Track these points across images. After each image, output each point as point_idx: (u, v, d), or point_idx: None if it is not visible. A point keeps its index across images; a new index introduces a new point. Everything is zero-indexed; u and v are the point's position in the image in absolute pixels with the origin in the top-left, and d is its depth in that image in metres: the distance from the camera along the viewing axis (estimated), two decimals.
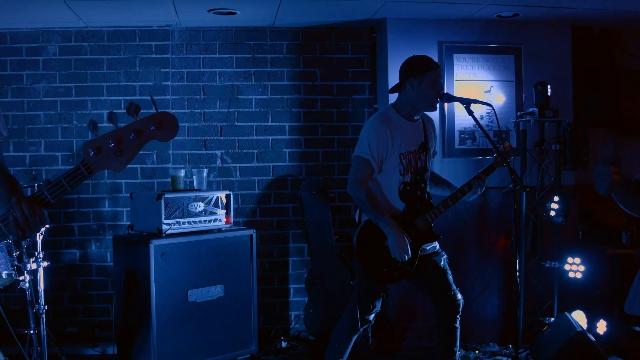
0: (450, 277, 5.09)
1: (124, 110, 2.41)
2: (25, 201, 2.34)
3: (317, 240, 6.93)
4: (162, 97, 7.07)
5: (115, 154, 2.37)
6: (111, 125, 2.46)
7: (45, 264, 5.94)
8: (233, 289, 6.20)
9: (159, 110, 2.41)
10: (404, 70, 5.02)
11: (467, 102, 4.99)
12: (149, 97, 6.91)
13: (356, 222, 5.11)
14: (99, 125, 6.47)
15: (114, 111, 2.40)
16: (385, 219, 4.80)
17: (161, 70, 7.12)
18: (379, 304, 5.10)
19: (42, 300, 5.86)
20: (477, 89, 7.02)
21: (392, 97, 5.32)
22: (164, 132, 2.39)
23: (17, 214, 2.34)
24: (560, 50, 7.12)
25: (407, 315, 6.94)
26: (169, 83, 7.13)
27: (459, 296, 5.08)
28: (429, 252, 5.05)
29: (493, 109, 5.03)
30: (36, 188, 5.75)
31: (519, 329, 6.04)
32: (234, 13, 6.67)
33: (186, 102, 7.15)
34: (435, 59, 5.54)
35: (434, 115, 5.43)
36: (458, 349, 5.15)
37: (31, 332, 5.80)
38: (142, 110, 2.44)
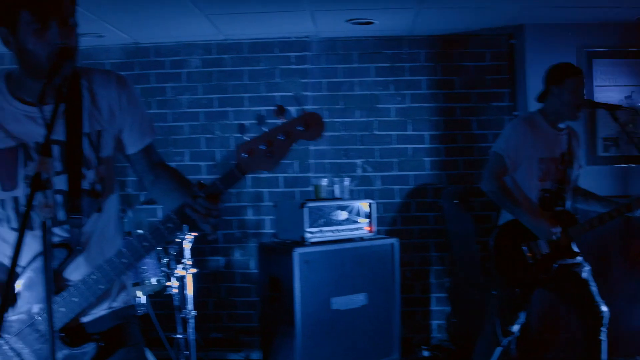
0: (594, 289, 4.96)
1: (266, 120, 2.46)
2: (203, 198, 2.43)
3: (458, 249, 6.89)
4: (302, 107, 7.11)
5: (266, 155, 2.42)
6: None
7: (193, 270, 6.06)
8: (375, 297, 6.21)
9: (306, 111, 2.46)
10: (547, 78, 5.00)
11: (612, 109, 4.92)
12: (289, 108, 7.05)
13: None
14: (241, 135, 6.60)
15: (261, 114, 2.48)
16: (521, 208, 4.77)
17: (300, 80, 7.20)
18: (522, 315, 5.03)
19: (190, 306, 5.98)
20: (617, 95, 6.87)
21: (533, 105, 5.27)
22: (312, 132, 2.46)
23: (198, 208, 2.43)
24: None
25: (552, 326, 6.83)
26: (308, 93, 7.20)
27: (604, 308, 4.93)
28: (570, 263, 4.96)
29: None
30: None
31: None
32: (372, 23, 6.70)
33: (326, 112, 7.20)
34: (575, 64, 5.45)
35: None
36: None
37: (179, 336, 5.93)
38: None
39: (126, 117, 2.73)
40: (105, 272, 2.54)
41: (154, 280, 5.66)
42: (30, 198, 2.01)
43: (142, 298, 5.51)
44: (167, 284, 5.91)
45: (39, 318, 2.55)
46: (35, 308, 2.56)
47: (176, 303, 5.95)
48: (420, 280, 7.27)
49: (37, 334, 2.56)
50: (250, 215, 7.26)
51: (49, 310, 2.03)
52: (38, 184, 2.03)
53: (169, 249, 6.03)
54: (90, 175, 2.64)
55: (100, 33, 6.76)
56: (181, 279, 5.96)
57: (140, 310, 5.51)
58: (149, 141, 2.85)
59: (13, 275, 1.91)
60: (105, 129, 2.68)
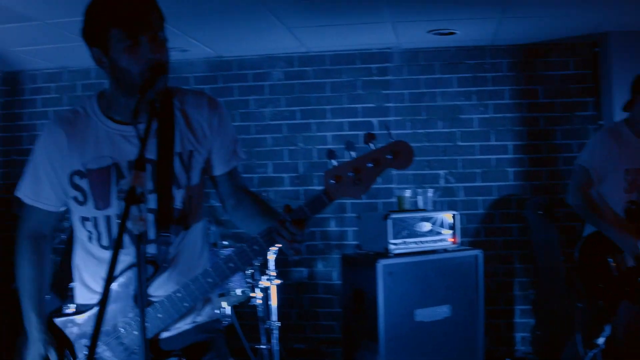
0: None
1: (348, 132, 2.49)
2: (290, 222, 2.44)
3: (543, 261, 6.80)
4: (384, 119, 7.17)
5: (353, 183, 2.41)
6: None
7: (277, 281, 6.13)
8: (459, 309, 6.14)
9: (395, 140, 2.43)
10: (633, 86, 4.91)
11: None
12: (371, 119, 7.08)
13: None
14: (324, 147, 6.61)
15: (350, 140, 2.46)
16: (607, 221, 4.69)
17: (382, 92, 7.22)
18: (608, 328, 4.93)
19: (274, 317, 6.04)
20: None
21: (619, 114, 5.18)
22: (400, 161, 2.42)
23: (284, 234, 2.44)
24: None
25: (638, 340, 6.70)
26: (390, 104, 7.21)
27: None
28: None
29: None
30: None
31: None
32: (453, 33, 6.67)
33: (408, 123, 7.19)
34: None
35: None
36: None
37: (263, 347, 5.98)
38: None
39: (216, 139, 2.76)
40: (190, 291, 2.57)
41: (239, 291, 5.75)
42: (125, 211, 2.05)
43: (227, 309, 5.58)
44: (252, 294, 5.98)
45: (123, 331, 2.60)
46: (120, 321, 2.61)
47: (260, 314, 6.01)
48: (504, 292, 7.20)
49: (121, 347, 2.62)
50: (333, 227, 7.30)
51: (142, 320, 2.07)
52: (133, 197, 2.07)
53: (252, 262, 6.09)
54: (179, 194, 2.67)
55: (184, 47, 6.90)
56: (265, 290, 6.02)
57: (225, 320, 5.59)
58: (234, 164, 2.87)
59: (108, 291, 1.95)
60: (196, 149, 2.72)
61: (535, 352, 6.80)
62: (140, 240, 2.10)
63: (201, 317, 2.79)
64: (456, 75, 7.21)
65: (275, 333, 5.92)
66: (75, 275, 2.80)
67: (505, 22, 6.30)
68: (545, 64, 7.16)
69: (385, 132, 2.53)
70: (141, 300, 2.08)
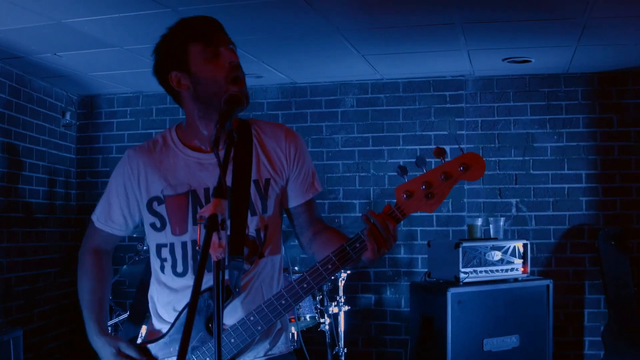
0: None
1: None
2: (377, 218, 2.42)
3: (615, 292, 6.70)
4: (456, 146, 7.13)
5: (426, 197, 2.40)
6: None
7: (346, 308, 6.15)
8: (528, 339, 6.09)
9: (466, 151, 2.41)
10: None
11: None
12: (444, 146, 7.06)
13: None
14: (395, 174, 6.63)
15: (421, 155, 2.52)
16: None
17: (455, 119, 7.23)
18: None
19: (341, 343, 6.05)
20: None
21: None
22: (472, 172, 2.39)
23: (373, 231, 2.42)
24: None
25: None
26: (463, 132, 7.20)
27: None
28: None
29: None
30: None
31: None
32: (528, 61, 6.65)
33: (481, 151, 7.17)
34: None
35: None
36: None
37: None
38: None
39: (293, 169, 2.77)
40: (263, 314, 2.56)
41: (307, 317, 5.78)
42: (207, 238, 2.05)
43: (295, 333, 5.62)
44: (320, 320, 6.01)
45: (194, 358, 2.62)
46: (191, 349, 2.62)
47: (328, 339, 6.03)
48: (574, 323, 7.09)
49: None
50: (402, 254, 7.30)
51: (218, 348, 2.09)
52: (214, 225, 2.07)
53: (323, 286, 6.13)
54: (254, 221, 2.70)
55: (259, 74, 7.01)
56: (334, 316, 6.04)
57: (293, 345, 5.62)
58: (311, 196, 2.84)
59: (192, 319, 1.97)
60: (272, 178, 2.73)
61: None
62: (219, 267, 2.10)
63: (275, 350, 2.77)
64: (530, 103, 7.17)
65: (343, 359, 5.94)
66: (150, 306, 2.86)
67: (581, 50, 6.25)
68: (621, 92, 7.07)
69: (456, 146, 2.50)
70: (218, 324, 2.09)
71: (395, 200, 2.46)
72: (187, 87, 2.64)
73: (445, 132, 7.21)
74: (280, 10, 5.18)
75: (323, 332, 6.18)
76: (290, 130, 2.84)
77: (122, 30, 5.58)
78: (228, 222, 2.56)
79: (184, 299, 2.67)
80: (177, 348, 2.53)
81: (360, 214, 7.27)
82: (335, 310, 6.11)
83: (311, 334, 6.63)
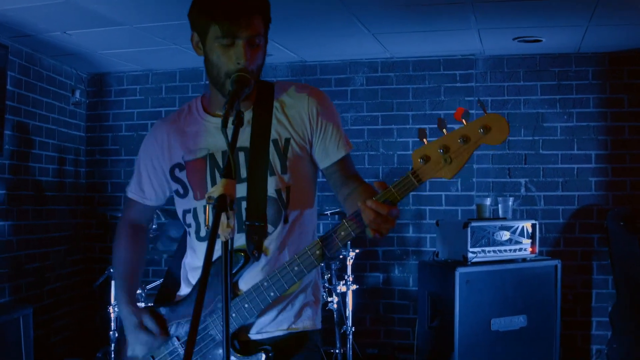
0: None
1: (430, 138, 2.30)
2: (373, 203, 2.31)
3: (623, 273, 6.69)
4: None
5: (444, 161, 2.27)
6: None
7: (354, 287, 6.16)
8: (536, 319, 6.09)
9: (488, 112, 2.29)
10: None
11: None
12: (453, 126, 7.07)
13: None
14: (404, 152, 6.63)
15: (442, 118, 2.33)
16: None
17: (465, 98, 7.21)
18: None
19: (349, 322, 6.07)
20: None
21: None
22: (494, 134, 2.25)
23: (368, 215, 2.32)
24: None
25: None
26: (473, 111, 7.12)
27: None
28: None
29: None
30: None
31: None
32: (539, 40, 6.62)
33: None
34: None
35: None
36: None
37: (337, 351, 6.01)
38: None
39: (317, 129, 2.71)
40: (276, 279, 2.54)
41: None
42: (215, 220, 2.06)
43: None
44: (328, 299, 6.02)
45: (209, 321, 2.63)
46: (207, 312, 2.63)
47: (336, 318, 6.05)
48: (582, 304, 7.10)
49: (208, 339, 2.65)
50: (411, 233, 7.30)
51: (226, 331, 2.08)
52: (223, 205, 2.07)
53: (331, 265, 6.15)
54: (273, 182, 2.66)
55: (268, 52, 6.93)
56: (342, 295, 6.06)
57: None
58: (342, 154, 2.74)
59: (204, 287, 1.98)
60: (292, 137, 2.69)
61: None
62: (227, 248, 2.10)
63: (300, 324, 2.74)
64: (540, 83, 7.15)
65: (350, 337, 5.96)
66: (182, 272, 2.90)
67: (593, 29, 6.22)
68: (632, 72, 7.03)
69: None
70: (226, 306, 2.08)
71: (412, 166, 2.34)
72: (202, 54, 2.63)
73: (455, 112, 7.17)
74: None
75: (331, 310, 6.19)
76: (316, 90, 2.78)
77: (131, 9, 5.56)
78: (240, 184, 2.56)
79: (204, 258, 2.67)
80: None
81: None
82: (344, 289, 6.12)
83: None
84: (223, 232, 2.09)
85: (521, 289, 6.03)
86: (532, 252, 6.16)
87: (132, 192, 2.95)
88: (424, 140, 2.31)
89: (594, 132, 7.07)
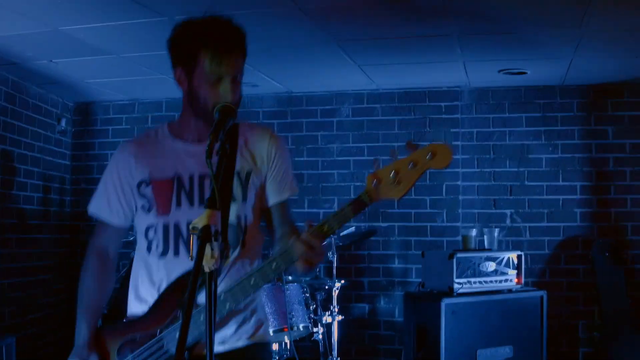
0: None
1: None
2: (305, 236, 2.50)
3: (608, 303, 6.70)
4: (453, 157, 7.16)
5: (395, 183, 2.50)
6: None
7: (339, 317, 6.14)
8: (521, 350, 6.07)
9: (433, 142, 2.57)
10: None
11: None
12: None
13: None
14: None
15: (393, 149, 2.55)
16: None
17: (451, 130, 7.25)
18: None
19: (335, 352, 6.04)
20: None
21: None
22: (438, 160, 2.51)
23: (298, 249, 2.51)
24: None
25: None
26: (458, 142, 7.22)
27: None
28: None
29: None
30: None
31: None
32: (524, 73, 6.67)
33: (476, 162, 7.19)
34: None
35: None
36: None
37: None
38: None
39: (272, 168, 2.88)
40: (233, 292, 2.63)
41: (301, 326, 5.77)
42: (200, 249, 2.10)
43: (287, 343, 5.61)
44: (314, 330, 6.00)
45: (165, 333, 2.70)
46: (162, 328, 2.72)
47: (321, 349, 6.02)
48: (568, 334, 7.09)
49: (161, 352, 2.71)
50: (396, 264, 7.30)
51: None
52: (208, 236, 2.11)
53: (316, 295, 6.13)
54: (234, 208, 2.79)
55: (255, 83, 7.01)
56: (327, 326, 6.04)
57: (285, 354, 5.62)
58: (287, 196, 2.94)
59: (190, 312, 2.03)
60: (253, 171, 2.85)
61: None
62: (211, 279, 2.13)
63: (259, 337, 2.88)
64: (525, 115, 7.20)
65: None
66: (132, 291, 2.94)
67: (578, 62, 6.27)
68: (616, 105, 7.09)
69: None
70: (209, 343, 2.11)
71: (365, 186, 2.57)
72: (185, 89, 2.76)
73: (441, 143, 7.20)
74: (277, 20, 5.22)
75: (316, 341, 6.17)
76: (276, 134, 2.96)
77: (118, 38, 5.58)
78: (203, 209, 2.64)
79: (166, 278, 2.77)
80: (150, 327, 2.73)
81: (354, 224, 7.27)
82: (329, 319, 6.11)
83: (305, 342, 6.63)
84: (207, 263, 2.11)
85: (507, 320, 6.02)
86: (517, 283, 6.17)
87: (98, 211, 2.98)
88: (395, 157, 2.54)
89: (578, 164, 7.11)
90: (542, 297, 6.17)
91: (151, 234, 2.84)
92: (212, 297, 2.12)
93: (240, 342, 2.82)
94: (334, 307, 6.17)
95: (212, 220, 2.14)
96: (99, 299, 2.95)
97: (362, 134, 7.38)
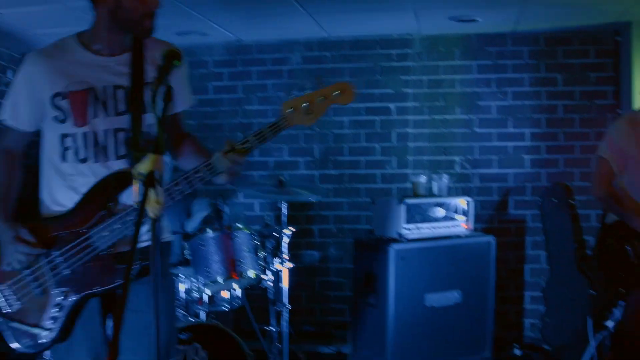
0: None
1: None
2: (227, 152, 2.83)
3: (556, 249, 6.78)
4: (402, 104, 7.21)
5: (306, 112, 2.94)
6: None
7: (289, 265, 6.15)
8: (469, 295, 6.16)
9: (340, 81, 3.05)
10: None
11: None
12: (388, 104, 7.10)
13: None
14: (340, 131, 6.62)
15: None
16: (628, 212, 4.66)
17: (401, 77, 7.23)
18: (617, 312, 4.92)
19: (285, 300, 6.06)
20: None
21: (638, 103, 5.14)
22: (344, 97, 3.01)
23: (224, 163, 2.84)
24: None
25: None
26: (409, 90, 7.21)
27: None
28: None
29: None
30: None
31: None
32: (475, 20, 6.66)
33: (426, 109, 7.20)
34: None
35: None
36: None
37: (272, 329, 6.01)
38: None
39: (176, 77, 2.95)
40: None
41: (251, 273, 5.75)
42: (144, 194, 2.16)
43: (238, 291, 5.61)
44: (263, 277, 6.00)
45: (92, 232, 2.89)
46: (90, 224, 2.91)
47: (271, 296, 6.04)
48: (515, 279, 7.21)
49: (89, 249, 2.92)
50: (346, 211, 7.33)
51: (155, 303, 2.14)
52: (152, 181, 2.17)
53: (266, 243, 6.12)
54: (148, 118, 2.99)
55: (204, 31, 6.91)
56: (277, 273, 6.05)
57: (236, 302, 5.62)
58: (183, 108, 3.27)
59: (135, 246, 2.15)
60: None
61: (543, 339, 6.78)
62: (155, 225, 2.18)
63: (166, 236, 3.18)
64: (476, 62, 7.20)
65: (285, 315, 5.95)
66: (46, 196, 3.11)
67: (527, 10, 6.27)
68: (566, 52, 7.12)
69: None
70: (155, 282, 2.14)
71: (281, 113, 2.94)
72: (110, 2, 2.92)
73: (391, 91, 7.22)
74: None
75: (266, 288, 6.17)
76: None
77: None
78: (123, 117, 2.99)
79: (86, 182, 2.95)
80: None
81: (305, 172, 7.29)
82: (279, 267, 6.11)
83: (255, 290, 6.62)
84: (152, 207, 2.16)
85: (455, 265, 6.09)
86: (466, 229, 6.22)
87: (8, 119, 3.09)
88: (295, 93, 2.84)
89: (528, 111, 7.15)
90: (489, 243, 6.24)
91: (68, 141, 2.99)
92: (156, 246, 2.17)
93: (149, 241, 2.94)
94: (284, 255, 6.16)
95: (157, 166, 2.19)
96: (9, 192, 3.12)
97: (312, 82, 7.33)
